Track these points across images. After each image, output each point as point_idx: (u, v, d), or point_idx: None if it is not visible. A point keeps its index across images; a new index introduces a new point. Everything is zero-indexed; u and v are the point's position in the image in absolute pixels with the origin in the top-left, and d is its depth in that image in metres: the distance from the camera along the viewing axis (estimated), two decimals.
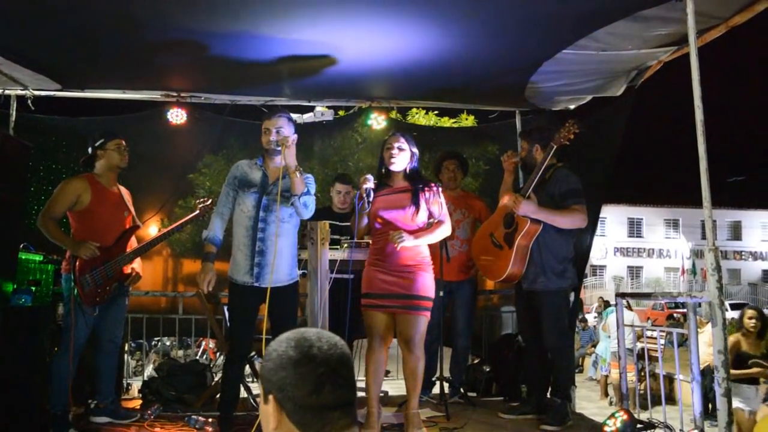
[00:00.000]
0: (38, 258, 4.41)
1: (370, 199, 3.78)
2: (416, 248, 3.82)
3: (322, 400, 1.33)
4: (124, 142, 4.28)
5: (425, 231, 3.83)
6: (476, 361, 5.74)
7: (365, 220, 3.89)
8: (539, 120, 5.76)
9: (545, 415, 4.24)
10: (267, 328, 3.76)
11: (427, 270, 3.83)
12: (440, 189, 3.96)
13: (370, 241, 3.95)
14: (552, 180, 4.21)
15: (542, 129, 4.45)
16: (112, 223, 4.21)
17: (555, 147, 4.12)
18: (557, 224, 4.15)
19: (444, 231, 3.90)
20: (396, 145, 3.88)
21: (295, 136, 3.83)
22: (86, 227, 4.11)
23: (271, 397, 1.36)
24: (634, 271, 40.21)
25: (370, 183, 3.80)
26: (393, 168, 3.90)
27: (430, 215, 3.89)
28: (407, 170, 3.92)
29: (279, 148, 3.70)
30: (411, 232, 3.77)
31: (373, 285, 3.80)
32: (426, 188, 3.87)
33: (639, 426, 3.78)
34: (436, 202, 3.88)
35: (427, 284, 3.80)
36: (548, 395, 4.43)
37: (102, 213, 4.15)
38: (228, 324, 3.88)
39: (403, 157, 3.89)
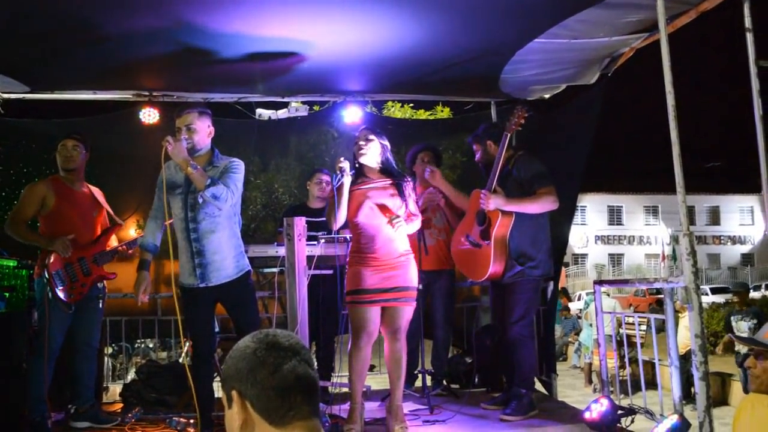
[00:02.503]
0: (12, 263, 4.34)
1: (344, 174, 3.75)
2: (402, 239, 3.84)
3: (284, 380, 1.35)
4: (71, 143, 4.20)
5: (409, 221, 3.87)
6: (458, 353, 5.75)
7: (343, 211, 3.81)
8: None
9: (508, 405, 4.23)
10: (232, 327, 3.73)
11: (412, 260, 3.88)
12: (414, 184, 3.97)
13: (351, 238, 3.93)
14: (515, 168, 4.24)
15: (489, 126, 4.54)
16: (81, 223, 4.16)
17: (508, 135, 4.18)
18: (528, 211, 4.18)
19: (417, 225, 3.95)
20: (363, 137, 3.89)
21: (211, 128, 3.77)
22: (55, 229, 4.07)
23: (234, 393, 1.37)
24: (616, 259, 40.57)
25: (345, 163, 3.78)
26: (364, 160, 3.89)
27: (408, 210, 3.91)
28: (381, 163, 3.91)
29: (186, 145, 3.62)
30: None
31: (365, 281, 3.75)
32: (404, 183, 3.88)
33: (620, 412, 3.80)
34: (411, 197, 3.91)
35: (415, 274, 3.86)
36: (514, 385, 4.38)
37: (69, 214, 4.11)
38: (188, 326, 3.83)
39: (372, 148, 3.87)
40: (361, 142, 3.88)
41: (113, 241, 4.33)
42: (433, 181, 4.68)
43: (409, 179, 3.96)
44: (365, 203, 3.79)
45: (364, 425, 3.86)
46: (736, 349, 7.62)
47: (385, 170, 3.92)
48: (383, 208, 3.78)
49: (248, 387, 1.35)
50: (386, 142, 3.94)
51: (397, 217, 3.72)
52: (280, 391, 1.34)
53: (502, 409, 4.21)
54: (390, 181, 3.88)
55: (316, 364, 5.19)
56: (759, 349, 2.43)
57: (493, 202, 4.11)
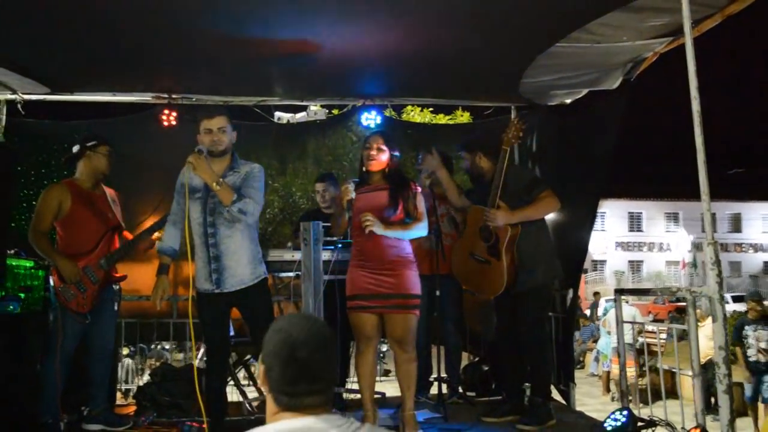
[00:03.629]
0: (29, 264, 4.34)
1: (350, 214, 3.69)
2: (399, 245, 3.74)
3: (296, 391, 1.56)
4: (111, 150, 4.24)
5: (399, 225, 3.75)
6: (475, 360, 5.68)
7: (344, 228, 3.88)
8: (531, 118, 5.71)
9: (525, 414, 4.19)
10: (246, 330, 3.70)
11: (411, 267, 3.77)
12: (419, 189, 3.88)
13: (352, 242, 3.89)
14: (507, 181, 4.15)
15: (481, 137, 4.50)
16: (97, 226, 4.15)
17: (508, 149, 4.10)
18: (534, 218, 4.16)
19: (420, 229, 3.80)
20: (376, 146, 3.80)
21: (234, 132, 3.74)
22: (71, 233, 4.07)
23: (262, 366, 1.62)
24: (635, 266, 40.14)
25: (351, 194, 3.70)
26: (371, 169, 3.83)
27: (407, 215, 3.80)
28: (386, 170, 3.84)
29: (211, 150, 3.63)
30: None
31: (358, 286, 3.73)
32: (403, 188, 3.79)
33: (640, 424, 3.72)
34: (412, 202, 3.80)
35: (412, 281, 3.74)
36: (530, 394, 4.36)
37: (85, 218, 4.10)
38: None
39: (382, 159, 3.81)
40: (372, 152, 3.80)
41: (116, 242, 4.30)
42: (429, 166, 4.53)
43: (412, 185, 3.85)
44: (361, 209, 3.74)
45: None
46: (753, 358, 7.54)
47: (388, 176, 3.84)
48: (371, 213, 3.68)
49: (269, 378, 1.59)
50: (397, 153, 3.88)
51: (367, 218, 3.59)
52: (291, 395, 1.56)
53: (520, 419, 4.15)
54: (387, 187, 3.80)
55: None
56: None
57: (501, 218, 4.06)
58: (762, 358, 7.41)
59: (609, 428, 3.66)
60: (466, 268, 4.35)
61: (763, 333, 7.51)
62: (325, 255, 4.12)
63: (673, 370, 7.11)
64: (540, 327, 4.25)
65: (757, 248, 41.14)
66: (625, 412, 3.69)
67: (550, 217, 5.23)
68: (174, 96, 5.48)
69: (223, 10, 3.75)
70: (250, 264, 3.70)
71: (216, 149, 3.64)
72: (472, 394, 5.15)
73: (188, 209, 3.72)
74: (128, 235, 4.37)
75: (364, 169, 3.88)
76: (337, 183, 5.12)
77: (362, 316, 3.74)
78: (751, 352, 7.54)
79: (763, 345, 7.40)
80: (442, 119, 12.41)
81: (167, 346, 10.96)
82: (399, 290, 3.68)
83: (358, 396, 4.48)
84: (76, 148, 4.18)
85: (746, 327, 7.64)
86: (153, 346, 10.78)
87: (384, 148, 3.80)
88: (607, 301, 18.45)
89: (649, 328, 8.01)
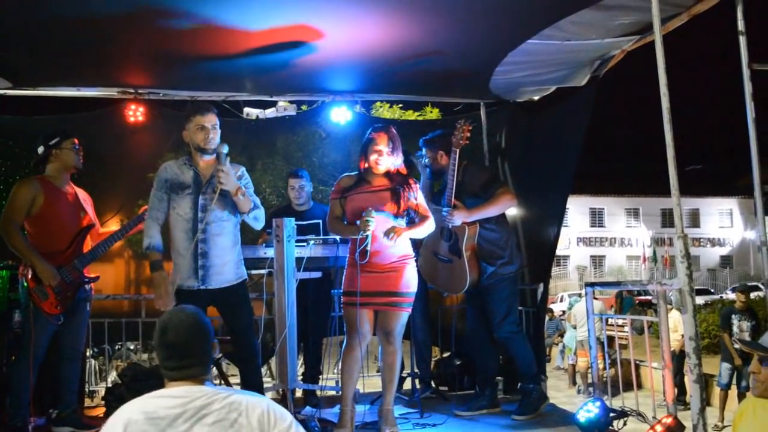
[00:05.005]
0: None
1: (368, 248, 3.64)
2: (400, 244, 3.73)
3: (169, 365, 1.92)
4: (77, 142, 4.13)
5: (414, 225, 3.78)
6: (446, 355, 5.71)
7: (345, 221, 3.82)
8: (500, 114, 5.77)
9: (517, 403, 4.27)
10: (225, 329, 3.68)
11: (409, 264, 3.78)
12: (418, 185, 3.88)
13: (350, 241, 3.83)
14: (465, 179, 4.23)
15: (444, 135, 4.49)
16: (69, 225, 4.05)
17: (458, 151, 4.17)
18: (491, 214, 4.23)
19: (430, 226, 3.83)
20: (385, 150, 3.73)
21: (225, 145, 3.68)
22: (42, 231, 3.95)
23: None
24: (597, 261, 40.76)
25: (372, 225, 3.59)
26: (377, 172, 3.79)
27: (409, 215, 3.82)
28: (390, 170, 3.81)
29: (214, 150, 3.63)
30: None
31: (355, 283, 3.69)
32: (405, 187, 3.77)
33: (612, 415, 3.78)
34: (414, 200, 3.81)
35: (410, 279, 3.76)
36: (520, 383, 4.43)
37: (57, 215, 3.99)
38: None
39: (389, 164, 3.77)
40: (382, 158, 3.74)
41: (88, 242, 4.20)
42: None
43: (413, 183, 3.83)
44: (363, 209, 3.67)
45: (354, 429, 3.81)
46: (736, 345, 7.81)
47: (389, 174, 3.81)
48: (380, 218, 3.65)
49: (156, 350, 1.96)
50: (401, 154, 3.84)
51: (392, 231, 3.59)
52: (166, 369, 1.93)
53: (494, 412, 4.21)
54: (388, 185, 3.78)
55: (302, 366, 5.16)
56: (764, 354, 2.41)
57: (458, 217, 4.12)
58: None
59: (583, 420, 3.71)
60: (431, 268, 4.41)
61: (745, 324, 7.89)
62: (298, 252, 4.11)
63: (638, 362, 7.27)
64: (511, 316, 4.31)
65: (714, 243, 42.08)
66: (598, 404, 3.74)
67: (520, 213, 5.31)
68: (140, 91, 5.38)
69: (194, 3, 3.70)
70: (234, 264, 3.72)
71: (209, 147, 3.64)
72: (445, 388, 5.17)
73: (168, 204, 3.69)
74: (99, 235, 4.28)
75: (366, 166, 3.81)
76: (310, 179, 5.10)
77: (359, 312, 3.69)
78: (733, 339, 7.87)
79: (745, 335, 7.71)
80: (411, 115, 12.40)
81: (131, 347, 10.80)
82: (395, 288, 3.70)
83: (330, 393, 4.50)
84: (40, 150, 4.05)
85: (733, 315, 8.01)
86: (118, 347, 10.62)
87: (392, 152, 3.75)
88: (570, 295, 18.78)
89: (619, 322, 8.18)
